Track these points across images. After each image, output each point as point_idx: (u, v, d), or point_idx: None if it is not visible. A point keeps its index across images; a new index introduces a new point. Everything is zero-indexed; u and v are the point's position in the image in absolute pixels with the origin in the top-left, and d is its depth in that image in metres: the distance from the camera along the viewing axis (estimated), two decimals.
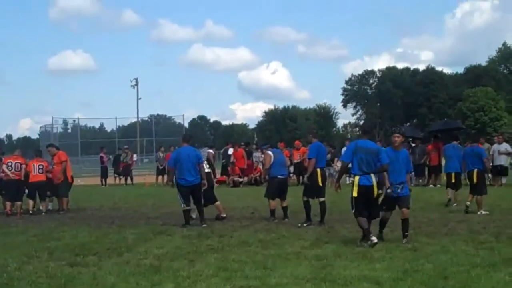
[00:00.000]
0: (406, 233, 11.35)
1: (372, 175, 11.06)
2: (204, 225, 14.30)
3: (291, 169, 29.83)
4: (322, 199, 14.18)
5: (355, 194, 11.06)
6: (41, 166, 18.76)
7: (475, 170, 16.21)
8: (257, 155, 30.42)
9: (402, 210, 11.44)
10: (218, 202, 15.92)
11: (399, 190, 11.36)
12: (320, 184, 14.12)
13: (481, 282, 7.86)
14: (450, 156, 18.58)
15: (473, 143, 17.08)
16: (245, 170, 30.92)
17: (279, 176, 15.51)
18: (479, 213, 15.48)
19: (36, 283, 8.46)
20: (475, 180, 16.17)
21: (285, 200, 15.50)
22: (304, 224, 13.78)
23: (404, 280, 8.12)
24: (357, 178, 11.09)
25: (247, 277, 8.51)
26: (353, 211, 11.18)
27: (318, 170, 14.10)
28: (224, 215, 15.74)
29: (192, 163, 14.79)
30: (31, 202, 18.80)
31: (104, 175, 34.71)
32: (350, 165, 11.67)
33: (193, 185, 14.73)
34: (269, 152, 15.81)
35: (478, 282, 7.83)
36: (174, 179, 15.14)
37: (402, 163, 11.52)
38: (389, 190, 11.21)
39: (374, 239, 10.77)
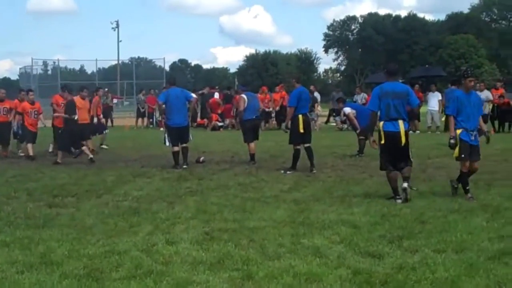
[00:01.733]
0: (467, 187, 10.18)
1: (400, 121, 9.82)
2: (185, 167, 14.41)
3: (273, 114, 29.93)
4: (307, 145, 13.98)
5: (382, 141, 9.89)
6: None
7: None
8: None
9: (470, 163, 10.13)
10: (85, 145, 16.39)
11: (472, 138, 10.04)
12: (302, 130, 13.78)
13: (458, 227, 7.89)
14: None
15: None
16: (225, 114, 30.93)
17: (251, 119, 15.63)
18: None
19: (15, 224, 8.41)
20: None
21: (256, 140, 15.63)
22: (288, 172, 13.60)
23: (381, 224, 8.16)
24: (381, 123, 9.90)
25: (226, 219, 8.54)
26: (379, 162, 10.14)
27: (300, 116, 13.81)
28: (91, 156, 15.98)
29: (182, 103, 14.95)
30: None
31: None
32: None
33: (181, 127, 14.84)
34: (243, 96, 15.83)
35: (455, 227, 7.87)
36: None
37: (474, 108, 10.17)
38: (452, 141, 9.99)
39: (399, 201, 9.71)
